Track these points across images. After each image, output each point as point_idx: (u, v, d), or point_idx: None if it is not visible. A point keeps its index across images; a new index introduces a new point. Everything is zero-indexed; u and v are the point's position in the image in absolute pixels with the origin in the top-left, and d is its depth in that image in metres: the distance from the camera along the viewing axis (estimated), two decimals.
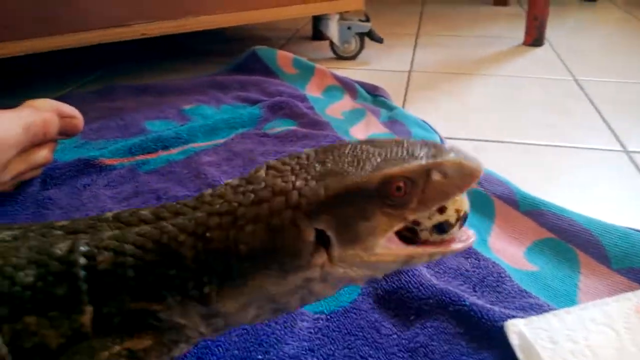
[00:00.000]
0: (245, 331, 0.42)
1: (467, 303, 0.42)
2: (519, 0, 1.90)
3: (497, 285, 0.47)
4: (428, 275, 0.46)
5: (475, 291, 0.46)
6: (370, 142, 0.33)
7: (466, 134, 0.82)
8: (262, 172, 0.33)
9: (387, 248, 0.31)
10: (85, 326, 0.32)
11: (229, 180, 0.34)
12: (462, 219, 0.33)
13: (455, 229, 0.33)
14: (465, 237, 0.34)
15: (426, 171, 0.30)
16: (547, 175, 0.69)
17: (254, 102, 0.92)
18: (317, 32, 1.37)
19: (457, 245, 0.33)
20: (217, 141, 0.79)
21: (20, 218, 0.59)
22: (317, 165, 0.32)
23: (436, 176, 0.31)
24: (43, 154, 0.62)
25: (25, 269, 0.32)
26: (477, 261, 0.50)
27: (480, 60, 1.20)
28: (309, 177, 0.31)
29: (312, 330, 0.42)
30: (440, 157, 0.31)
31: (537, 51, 1.25)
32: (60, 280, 0.32)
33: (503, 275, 0.48)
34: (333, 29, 1.18)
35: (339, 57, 1.23)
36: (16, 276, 0.31)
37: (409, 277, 0.45)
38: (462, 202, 0.33)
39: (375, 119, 0.85)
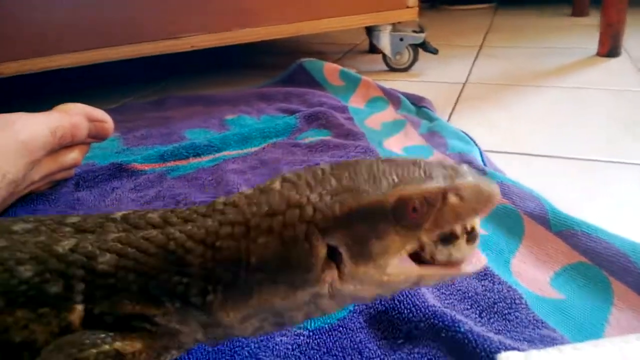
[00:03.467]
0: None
1: (463, 330, 0.37)
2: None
3: (509, 313, 0.41)
4: (426, 296, 0.41)
5: (482, 317, 0.41)
6: (387, 160, 0.32)
7: (510, 146, 0.75)
8: (277, 184, 0.32)
9: (399, 267, 0.30)
10: (74, 324, 0.32)
11: (244, 190, 0.34)
12: (469, 233, 0.31)
13: (462, 242, 0.31)
14: (476, 260, 0.32)
15: (443, 193, 0.29)
16: (598, 193, 0.61)
17: (294, 113, 0.91)
18: (373, 45, 1.35)
19: (467, 268, 0.31)
20: (249, 150, 0.78)
21: None
22: (332, 180, 0.31)
23: (452, 199, 0.30)
24: (73, 156, 0.64)
25: (26, 264, 0.32)
26: (491, 284, 0.44)
27: (544, 71, 1.11)
28: (323, 192, 0.30)
29: (289, 347, 0.39)
30: (458, 180, 0.30)
31: (612, 62, 1.14)
32: (57, 277, 0.32)
33: (518, 301, 0.42)
34: (385, 41, 1.15)
35: (392, 69, 1.19)
36: (16, 270, 0.32)
37: (403, 296, 0.41)
38: None
39: (413, 131, 0.81)
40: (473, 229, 0.31)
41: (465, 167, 0.31)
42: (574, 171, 0.67)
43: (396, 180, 0.30)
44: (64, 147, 0.63)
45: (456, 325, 0.37)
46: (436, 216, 0.29)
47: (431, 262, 0.31)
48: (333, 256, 0.30)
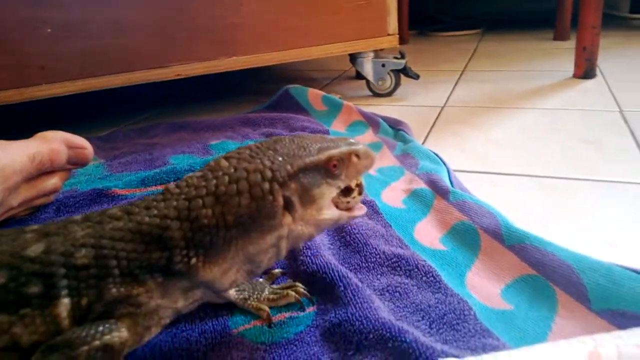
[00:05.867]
0: None
1: (408, 340, 0.38)
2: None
3: (457, 324, 0.43)
4: (379, 309, 0.43)
5: (431, 328, 0.42)
6: (303, 136, 0.43)
7: (482, 166, 0.77)
8: (224, 162, 0.40)
9: (329, 209, 0.41)
10: (61, 318, 0.35)
11: (190, 174, 0.40)
12: (359, 187, 0.43)
13: (355, 193, 0.43)
14: (361, 207, 0.44)
15: (350, 153, 0.41)
16: (565, 210, 0.63)
17: None
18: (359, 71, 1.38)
19: (356, 212, 0.43)
20: None
21: None
22: (270, 152, 0.40)
23: (354, 158, 0.42)
24: (52, 182, 0.66)
25: None
26: (443, 297, 0.46)
27: (522, 94, 1.15)
28: (272, 159, 0.39)
29: None
30: (356, 146, 0.42)
31: (587, 83, 1.17)
32: (34, 279, 0.35)
33: (467, 313, 0.43)
34: (367, 67, 1.19)
35: (375, 94, 1.22)
36: None
37: (356, 309, 0.43)
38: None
39: (389, 153, 0.83)
40: (360, 184, 0.43)
41: (355, 139, 0.43)
42: (542, 189, 0.69)
43: (319, 147, 0.41)
44: (44, 174, 0.65)
45: (402, 335, 0.39)
46: (346, 170, 0.41)
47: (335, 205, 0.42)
48: (285, 205, 0.38)
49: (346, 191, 0.43)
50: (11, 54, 0.90)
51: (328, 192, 0.40)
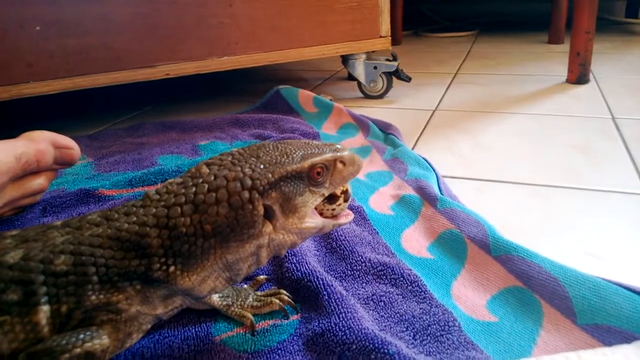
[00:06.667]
0: None
1: (390, 351, 0.38)
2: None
3: (441, 335, 0.42)
4: (363, 319, 0.42)
5: (415, 339, 0.42)
6: (287, 142, 0.42)
7: (470, 172, 0.77)
8: (205, 169, 0.39)
9: (311, 218, 0.40)
10: (40, 326, 0.35)
11: (170, 180, 0.39)
12: (345, 194, 0.43)
13: (341, 200, 0.43)
14: (347, 214, 0.44)
15: (334, 160, 0.41)
16: (551, 218, 0.62)
17: (266, 139, 0.93)
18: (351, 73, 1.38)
19: (342, 220, 0.43)
20: None
21: None
22: (252, 159, 0.39)
23: (339, 165, 0.41)
24: (38, 182, 0.66)
25: None
26: (428, 307, 0.45)
27: (514, 98, 1.14)
28: (253, 167, 0.38)
29: None
30: (341, 152, 0.41)
31: (580, 89, 1.17)
32: (13, 286, 0.34)
33: (451, 324, 0.43)
34: (359, 69, 1.18)
35: (367, 96, 1.22)
36: None
37: (339, 319, 0.42)
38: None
39: (378, 157, 0.83)
40: (347, 190, 0.43)
41: (342, 145, 0.42)
42: (529, 197, 0.69)
43: (302, 154, 0.40)
44: (30, 174, 0.64)
45: (385, 347, 0.39)
46: (330, 178, 0.41)
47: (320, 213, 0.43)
48: (266, 214, 0.38)
49: (331, 198, 0.42)
50: None
51: (311, 200, 0.40)
